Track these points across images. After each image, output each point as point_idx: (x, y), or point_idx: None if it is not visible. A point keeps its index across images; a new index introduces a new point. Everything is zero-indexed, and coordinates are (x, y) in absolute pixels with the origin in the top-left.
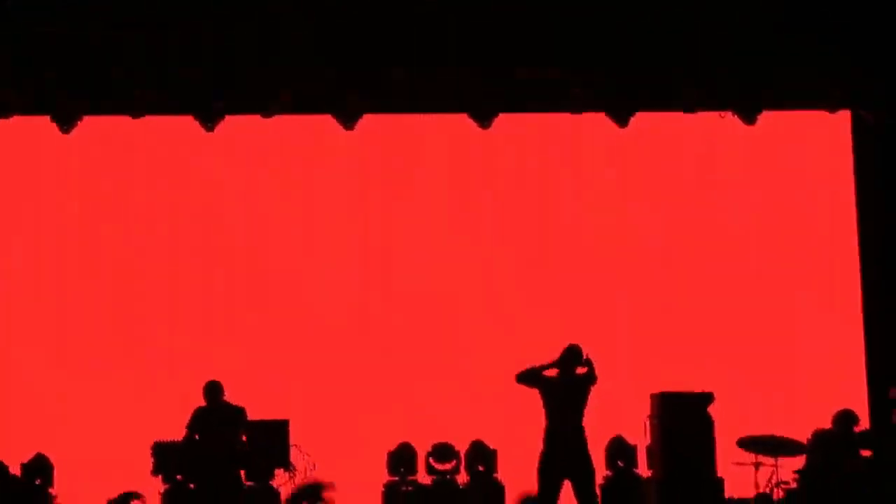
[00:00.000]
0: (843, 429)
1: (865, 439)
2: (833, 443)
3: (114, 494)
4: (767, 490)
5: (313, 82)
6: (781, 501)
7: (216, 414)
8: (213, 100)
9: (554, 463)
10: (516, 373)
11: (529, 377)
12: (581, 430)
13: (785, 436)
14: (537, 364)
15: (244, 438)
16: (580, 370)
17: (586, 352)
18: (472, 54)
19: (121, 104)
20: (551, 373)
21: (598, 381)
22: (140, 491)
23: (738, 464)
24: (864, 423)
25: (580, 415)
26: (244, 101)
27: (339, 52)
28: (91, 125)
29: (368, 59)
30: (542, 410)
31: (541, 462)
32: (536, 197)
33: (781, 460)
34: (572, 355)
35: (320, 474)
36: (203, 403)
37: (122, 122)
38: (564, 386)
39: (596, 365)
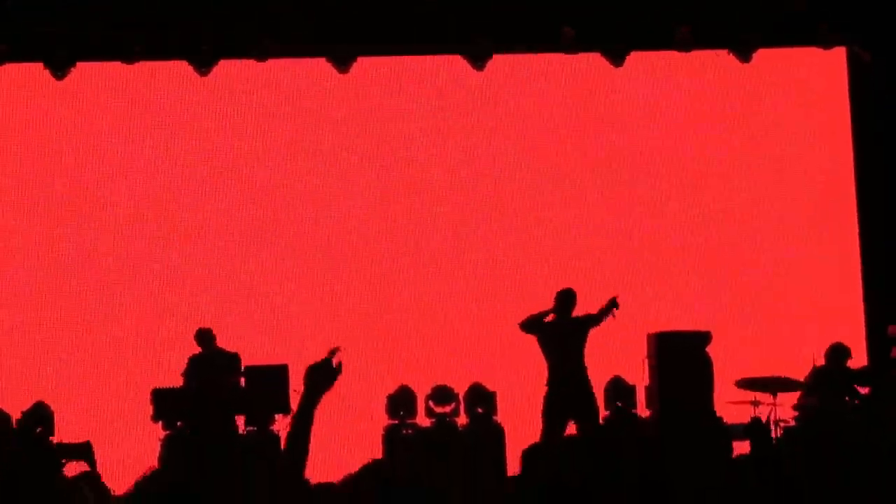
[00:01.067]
0: (836, 363)
1: (864, 376)
2: (827, 378)
3: (114, 441)
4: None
5: (303, 25)
6: (780, 439)
7: (211, 360)
8: (204, 43)
9: (558, 404)
10: (519, 322)
11: (531, 325)
12: (584, 369)
13: (783, 376)
14: (537, 311)
15: (241, 383)
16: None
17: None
18: None
19: (113, 49)
20: (549, 318)
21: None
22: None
23: (736, 402)
24: (863, 360)
25: (581, 356)
26: (236, 45)
27: None
28: (84, 71)
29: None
30: (541, 353)
31: (545, 404)
32: (532, 138)
33: (779, 399)
34: (568, 298)
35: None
36: (196, 350)
37: (116, 67)
38: (563, 329)
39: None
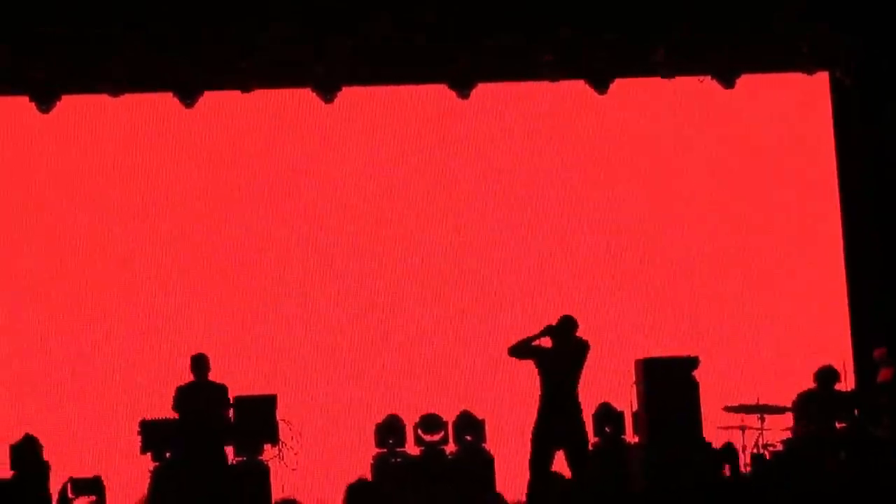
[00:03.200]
0: (825, 386)
1: (851, 400)
2: (816, 401)
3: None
4: (755, 450)
5: (290, 56)
6: (769, 463)
7: (200, 391)
8: (190, 76)
9: (548, 432)
10: (508, 347)
11: (521, 350)
12: (576, 398)
13: (771, 403)
14: (526, 336)
15: (230, 414)
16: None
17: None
18: (450, 23)
19: (99, 82)
20: (546, 342)
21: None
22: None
23: (725, 427)
24: (850, 384)
25: (575, 384)
26: (221, 76)
27: (315, 22)
28: (70, 104)
29: (347, 29)
30: (529, 379)
31: (535, 430)
32: (519, 166)
33: (767, 423)
34: (568, 325)
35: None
36: (186, 380)
37: (101, 100)
38: (560, 356)
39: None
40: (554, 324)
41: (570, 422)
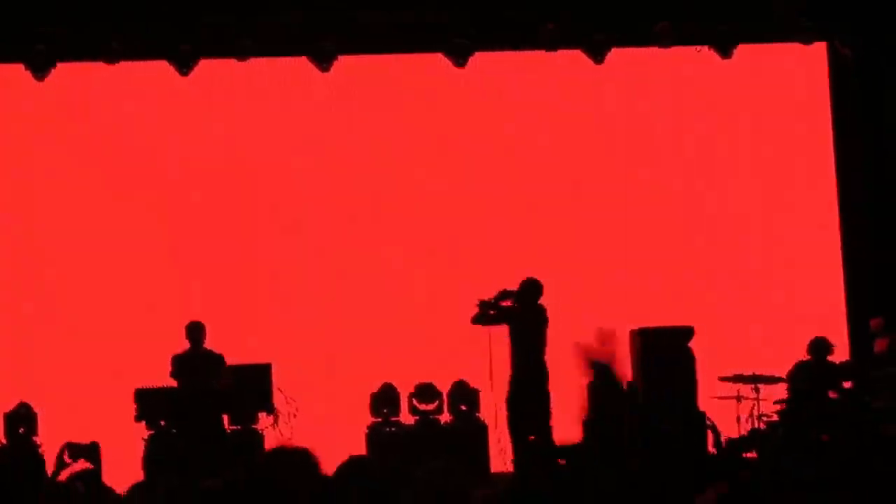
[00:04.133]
0: (819, 356)
1: (846, 371)
2: (810, 372)
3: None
4: (749, 423)
5: (286, 23)
6: (764, 433)
7: (196, 360)
8: (183, 43)
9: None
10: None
11: (483, 318)
12: (543, 367)
13: (766, 374)
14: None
15: (225, 384)
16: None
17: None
18: None
19: (95, 49)
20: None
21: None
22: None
23: (720, 398)
24: (845, 355)
25: (542, 352)
26: (217, 45)
27: None
28: (65, 72)
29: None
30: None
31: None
32: (514, 134)
33: (762, 393)
34: (534, 289)
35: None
36: (182, 348)
37: (97, 68)
38: (525, 321)
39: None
40: (516, 288)
41: (540, 397)
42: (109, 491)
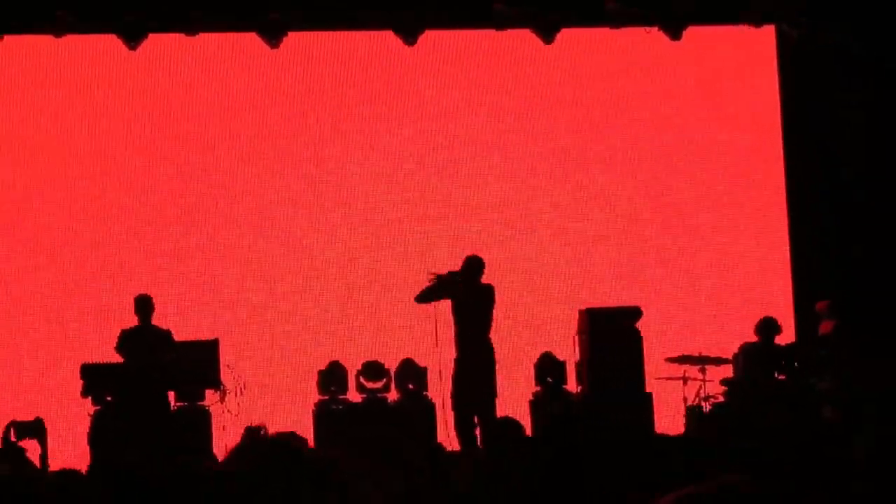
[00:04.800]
0: (765, 337)
1: (791, 352)
2: (757, 352)
3: (42, 415)
4: (695, 403)
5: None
6: (709, 414)
7: (144, 335)
8: (134, 16)
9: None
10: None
11: (427, 295)
12: (489, 344)
13: (713, 355)
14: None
15: (171, 359)
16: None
17: None
18: None
19: (42, 23)
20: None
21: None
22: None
23: (666, 378)
24: (791, 337)
25: (486, 330)
26: (166, 19)
27: None
28: (12, 44)
29: None
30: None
31: (455, 380)
32: (462, 114)
33: (708, 374)
34: (476, 266)
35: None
36: (130, 323)
37: (44, 41)
38: (469, 298)
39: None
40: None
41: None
42: (37, 469)
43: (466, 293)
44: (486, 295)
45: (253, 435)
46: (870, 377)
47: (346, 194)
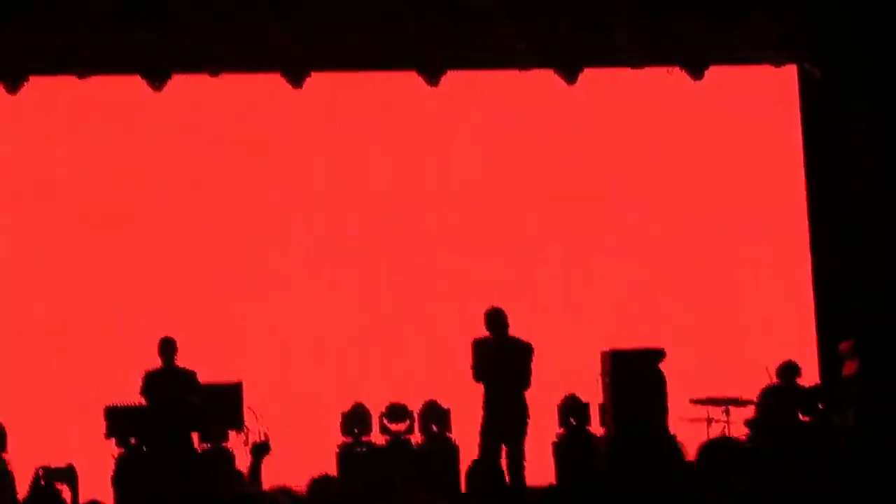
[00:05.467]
0: (787, 380)
1: (814, 394)
2: (779, 395)
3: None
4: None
5: (260, 40)
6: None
7: (168, 377)
8: (158, 58)
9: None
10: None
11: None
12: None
13: (736, 396)
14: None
15: (196, 401)
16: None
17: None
18: (420, 9)
19: (67, 63)
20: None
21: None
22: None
23: (691, 420)
24: (815, 378)
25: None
26: (190, 60)
27: (287, 9)
28: (38, 85)
29: (313, 15)
30: None
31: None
32: (486, 154)
33: (732, 416)
34: (500, 317)
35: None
36: (154, 365)
37: (69, 82)
38: (501, 348)
39: None
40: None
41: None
42: None
43: (497, 347)
44: (520, 350)
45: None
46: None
47: (371, 235)
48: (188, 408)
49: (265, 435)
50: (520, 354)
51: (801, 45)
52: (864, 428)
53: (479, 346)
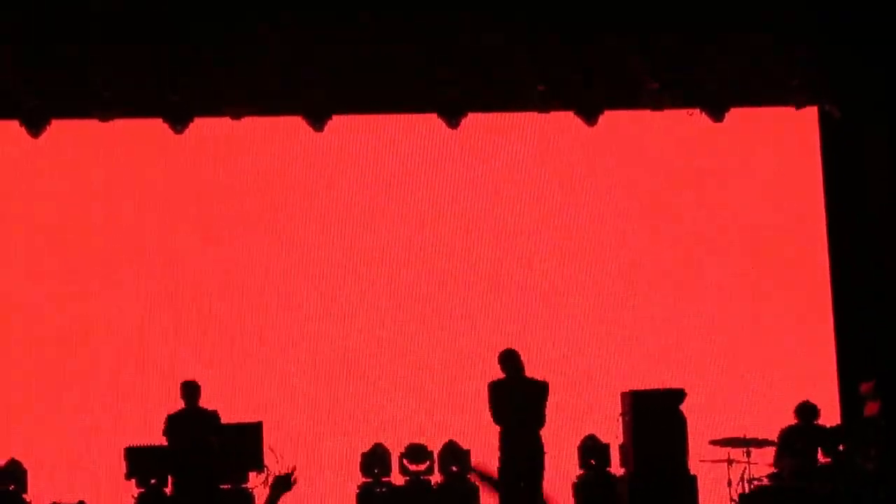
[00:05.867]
0: (806, 420)
1: (835, 434)
2: (797, 436)
3: (88, 498)
4: (739, 487)
5: (280, 83)
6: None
7: (190, 418)
8: (180, 101)
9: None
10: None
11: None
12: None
13: (758, 437)
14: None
15: (216, 441)
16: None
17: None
18: (440, 51)
19: (89, 107)
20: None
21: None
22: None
23: (711, 461)
24: (836, 419)
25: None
26: (212, 103)
27: (306, 53)
28: (60, 129)
29: (334, 59)
30: None
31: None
32: (506, 196)
33: (753, 457)
34: (512, 359)
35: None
36: (177, 407)
37: (91, 125)
38: (517, 390)
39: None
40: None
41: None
42: None
43: (512, 389)
44: (536, 390)
45: None
46: None
47: (391, 278)
48: (208, 448)
49: (291, 468)
50: (535, 394)
51: (821, 86)
52: (887, 469)
53: (495, 389)
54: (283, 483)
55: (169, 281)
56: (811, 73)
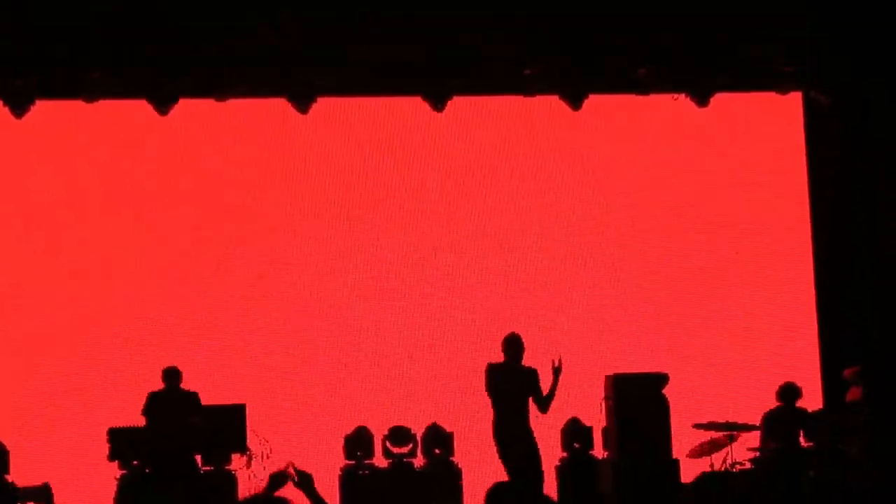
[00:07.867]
0: (788, 403)
1: (816, 417)
2: (780, 419)
3: (70, 479)
4: (722, 469)
5: (266, 64)
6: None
7: (170, 398)
8: (165, 82)
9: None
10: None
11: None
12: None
13: (740, 421)
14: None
15: (198, 422)
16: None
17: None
18: (426, 32)
19: (74, 88)
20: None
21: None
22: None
23: (694, 444)
24: (818, 404)
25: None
26: (197, 84)
27: (293, 36)
28: (44, 109)
29: (323, 39)
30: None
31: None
32: (490, 180)
33: (740, 441)
34: (511, 345)
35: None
36: (157, 387)
37: (76, 106)
38: (514, 377)
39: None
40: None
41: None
42: None
43: (510, 374)
44: (529, 378)
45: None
46: None
47: (374, 260)
48: (191, 430)
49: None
50: (523, 381)
51: (808, 73)
52: (870, 455)
53: (488, 372)
54: (278, 482)
55: (153, 262)
56: (797, 59)
